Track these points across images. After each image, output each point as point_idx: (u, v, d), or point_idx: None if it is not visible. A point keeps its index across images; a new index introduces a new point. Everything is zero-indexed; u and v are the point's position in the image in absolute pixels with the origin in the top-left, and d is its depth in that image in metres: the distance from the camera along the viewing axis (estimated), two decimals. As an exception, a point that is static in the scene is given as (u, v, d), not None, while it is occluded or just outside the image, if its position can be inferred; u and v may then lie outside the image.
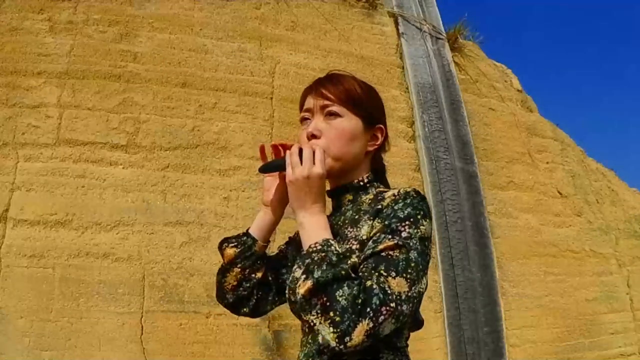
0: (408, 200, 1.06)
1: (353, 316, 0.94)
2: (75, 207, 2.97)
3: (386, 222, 1.04)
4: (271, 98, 3.58)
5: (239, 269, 1.25)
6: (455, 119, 4.16)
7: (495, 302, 3.77)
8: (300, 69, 3.76)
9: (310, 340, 1.11)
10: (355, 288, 0.96)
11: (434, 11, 4.65)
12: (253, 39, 3.70)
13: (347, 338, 0.94)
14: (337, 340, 0.94)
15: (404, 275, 0.98)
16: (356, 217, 1.14)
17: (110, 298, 2.88)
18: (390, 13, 4.36)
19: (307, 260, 1.01)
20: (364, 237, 1.07)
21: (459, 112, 4.22)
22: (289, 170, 1.10)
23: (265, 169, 1.21)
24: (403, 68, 4.19)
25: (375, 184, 1.21)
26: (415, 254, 1.01)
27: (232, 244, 1.27)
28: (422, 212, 1.06)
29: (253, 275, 1.26)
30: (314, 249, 1.03)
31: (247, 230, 1.28)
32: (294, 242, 1.30)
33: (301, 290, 0.99)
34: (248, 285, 1.25)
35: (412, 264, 1.00)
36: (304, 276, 1.00)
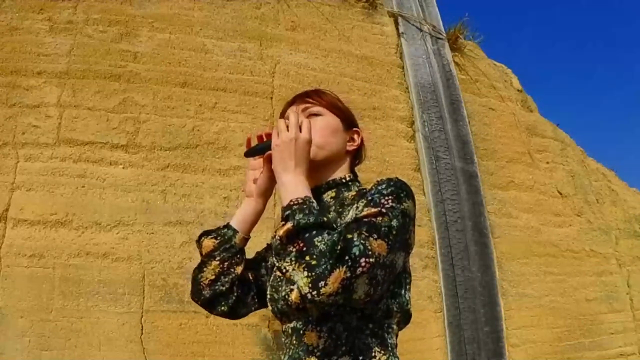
0: (391, 183, 1.06)
1: (330, 261, 0.90)
2: (75, 207, 2.97)
3: (369, 198, 1.03)
4: (271, 98, 3.58)
5: (218, 262, 1.21)
6: (455, 119, 4.16)
7: (495, 302, 3.77)
8: (300, 69, 3.76)
9: (295, 342, 1.08)
10: (335, 235, 0.94)
11: (434, 11, 4.65)
12: (253, 39, 3.71)
13: (322, 283, 0.89)
14: (310, 285, 0.90)
15: (385, 239, 0.96)
16: (340, 210, 1.14)
17: (110, 298, 2.88)
18: (390, 13, 4.36)
19: (287, 212, 0.99)
20: (349, 220, 1.06)
21: (459, 112, 4.22)
22: (274, 137, 1.10)
23: (251, 153, 1.20)
24: (403, 68, 4.19)
25: (357, 182, 1.24)
26: (397, 224, 0.99)
27: (211, 236, 1.24)
28: (404, 192, 1.05)
29: (232, 269, 1.21)
30: (295, 202, 1.01)
31: (228, 223, 1.25)
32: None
33: (280, 232, 0.96)
34: (226, 279, 1.20)
35: (394, 232, 0.98)
36: (284, 222, 0.98)
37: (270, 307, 1.17)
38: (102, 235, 2.96)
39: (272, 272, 1.20)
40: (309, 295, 0.91)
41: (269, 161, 1.16)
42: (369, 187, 1.10)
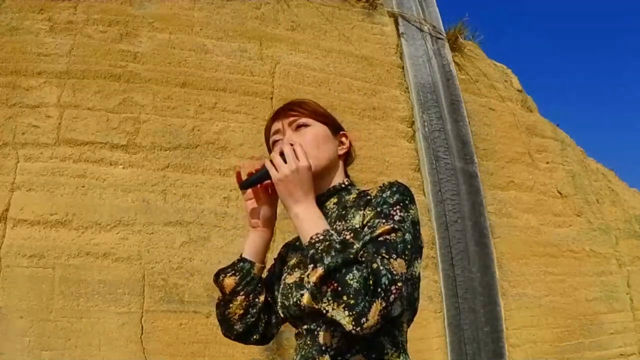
0: (394, 189, 1.10)
1: (367, 297, 0.95)
2: (75, 207, 2.97)
3: (378, 209, 1.07)
4: (271, 98, 3.58)
5: (243, 297, 1.23)
6: (455, 119, 4.16)
7: (495, 302, 3.77)
8: (300, 69, 3.76)
9: (309, 342, 1.12)
10: (364, 271, 0.97)
11: (434, 11, 4.65)
12: (253, 39, 3.70)
13: (364, 319, 0.95)
14: (353, 323, 0.95)
15: (403, 256, 1.02)
16: (343, 212, 1.17)
17: (110, 298, 2.88)
18: (390, 13, 4.36)
19: (311, 251, 1.02)
20: (357, 226, 1.10)
21: (459, 112, 4.21)
22: (273, 171, 1.12)
23: (247, 184, 1.20)
24: (403, 68, 4.19)
25: (355, 186, 1.27)
26: (410, 237, 1.05)
27: (230, 273, 1.25)
28: (409, 198, 1.10)
29: (257, 300, 1.24)
30: (317, 239, 1.03)
31: (241, 255, 1.27)
32: (280, 257, 1.31)
33: (312, 278, 0.99)
34: (255, 310, 1.24)
35: (409, 246, 1.03)
36: (312, 265, 1.00)
37: (282, 314, 1.21)
38: (102, 235, 2.96)
39: (282, 281, 1.23)
40: (353, 332, 0.96)
41: (265, 191, 1.21)
42: (372, 192, 1.14)
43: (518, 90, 4.92)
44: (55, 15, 3.31)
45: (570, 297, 4.13)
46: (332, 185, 1.24)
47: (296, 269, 1.20)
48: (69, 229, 2.93)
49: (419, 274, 1.13)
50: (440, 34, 4.53)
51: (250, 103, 3.50)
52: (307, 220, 1.07)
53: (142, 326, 2.88)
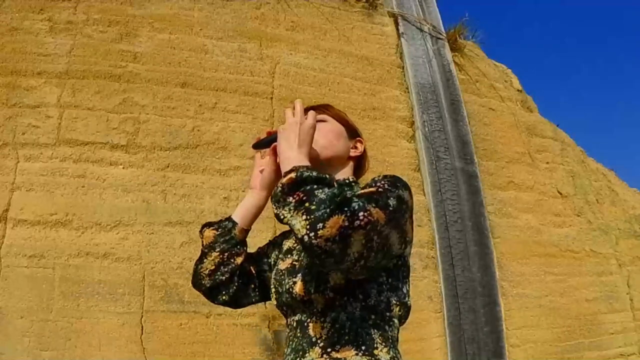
0: (387, 176, 1.09)
1: (330, 207, 0.91)
2: (75, 207, 2.97)
3: (366, 184, 1.08)
4: (271, 98, 3.58)
5: (218, 253, 1.25)
6: (455, 119, 4.16)
7: (495, 302, 3.77)
8: (300, 69, 3.76)
9: (299, 334, 1.11)
10: (336, 190, 0.96)
11: (434, 11, 4.65)
12: (253, 39, 3.71)
13: (320, 225, 0.89)
14: (308, 227, 0.90)
15: (384, 210, 0.96)
16: None
17: (110, 298, 2.88)
18: (390, 13, 4.36)
19: (291, 172, 1.01)
20: None
21: (459, 112, 4.21)
22: (280, 127, 1.14)
23: (258, 145, 1.25)
24: (403, 68, 4.19)
25: (359, 185, 1.26)
26: (394, 203, 1.00)
27: (212, 228, 1.28)
28: (401, 183, 1.07)
29: (232, 260, 1.25)
30: (299, 166, 1.02)
31: (230, 216, 1.29)
32: (275, 244, 1.32)
33: (283, 179, 0.99)
34: (226, 269, 1.24)
35: (391, 209, 0.98)
36: (287, 173, 1.00)
37: (274, 302, 1.20)
38: (102, 235, 2.96)
39: (274, 267, 1.23)
40: (305, 238, 0.91)
41: (274, 153, 1.20)
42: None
43: (518, 90, 4.93)
44: (55, 15, 3.31)
45: (570, 297, 4.13)
46: (336, 179, 1.24)
47: (289, 255, 1.21)
48: (69, 229, 2.93)
49: (404, 261, 1.12)
50: (440, 34, 4.53)
51: (250, 103, 3.51)
52: (295, 160, 1.05)
53: (142, 326, 2.88)
